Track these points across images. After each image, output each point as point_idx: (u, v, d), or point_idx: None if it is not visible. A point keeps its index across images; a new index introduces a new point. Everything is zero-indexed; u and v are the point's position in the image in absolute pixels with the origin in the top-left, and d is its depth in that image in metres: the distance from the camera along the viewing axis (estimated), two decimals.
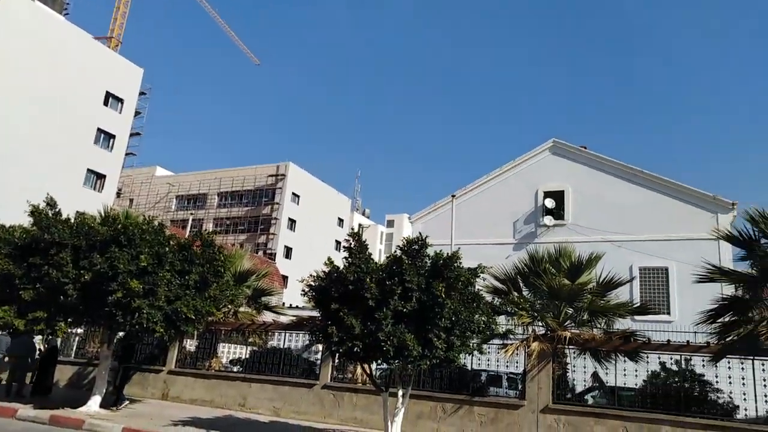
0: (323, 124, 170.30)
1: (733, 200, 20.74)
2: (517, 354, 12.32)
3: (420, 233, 10.36)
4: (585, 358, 12.34)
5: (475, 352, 10.56)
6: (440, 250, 9.74)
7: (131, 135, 41.96)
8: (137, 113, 43.17)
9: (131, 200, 62.26)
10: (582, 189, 23.28)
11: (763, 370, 10.65)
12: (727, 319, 11.18)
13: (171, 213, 61.86)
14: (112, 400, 13.29)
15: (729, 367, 10.88)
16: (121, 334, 13.36)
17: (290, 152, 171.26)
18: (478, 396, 12.50)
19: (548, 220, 23.29)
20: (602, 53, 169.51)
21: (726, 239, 12.33)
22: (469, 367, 13.17)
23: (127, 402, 13.54)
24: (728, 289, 13.66)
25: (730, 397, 11.01)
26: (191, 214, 50.58)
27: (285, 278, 50.73)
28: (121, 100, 39.16)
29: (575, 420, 11.39)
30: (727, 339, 10.94)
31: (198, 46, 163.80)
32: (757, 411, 10.56)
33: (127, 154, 42.52)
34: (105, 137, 38.00)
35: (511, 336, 12.63)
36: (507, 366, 13.67)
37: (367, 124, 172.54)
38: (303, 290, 10.42)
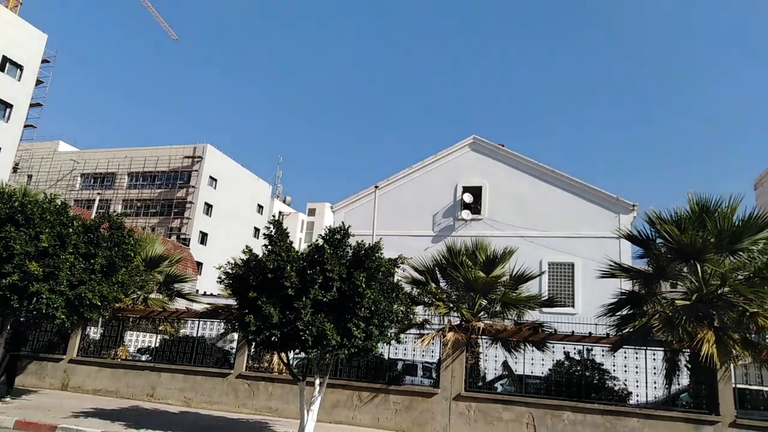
0: (246, 106, 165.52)
1: (634, 202, 22.33)
2: (432, 343, 12.63)
3: (342, 223, 10.33)
4: (496, 347, 12.87)
5: (393, 342, 10.72)
6: (362, 240, 9.76)
7: (31, 105, 38.67)
8: (39, 82, 39.84)
9: (30, 176, 57.54)
10: (499, 185, 24.18)
11: (654, 359, 11.59)
12: (624, 312, 12.06)
13: (75, 192, 57.83)
14: (4, 391, 12.28)
15: (625, 357, 11.75)
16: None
17: (209, 134, 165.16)
18: (394, 384, 12.71)
19: (466, 214, 24.02)
20: (528, 55, 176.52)
21: (626, 238, 13.25)
22: (386, 357, 13.35)
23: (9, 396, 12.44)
24: (627, 285, 14.75)
25: (625, 384, 11.90)
26: (98, 194, 47.50)
27: (199, 265, 49.01)
28: (20, 67, 35.99)
29: (485, 407, 11.88)
30: (624, 331, 11.80)
31: (114, 16, 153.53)
32: (647, 397, 11.50)
33: (26, 126, 39.15)
34: (1, 106, 34.83)
35: (428, 326, 12.95)
36: (423, 355, 14.00)
37: (291, 110, 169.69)
38: (219, 278, 10.11)
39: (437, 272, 14.02)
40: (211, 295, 24.03)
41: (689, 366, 11.43)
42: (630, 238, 12.99)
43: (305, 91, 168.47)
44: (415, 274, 13.96)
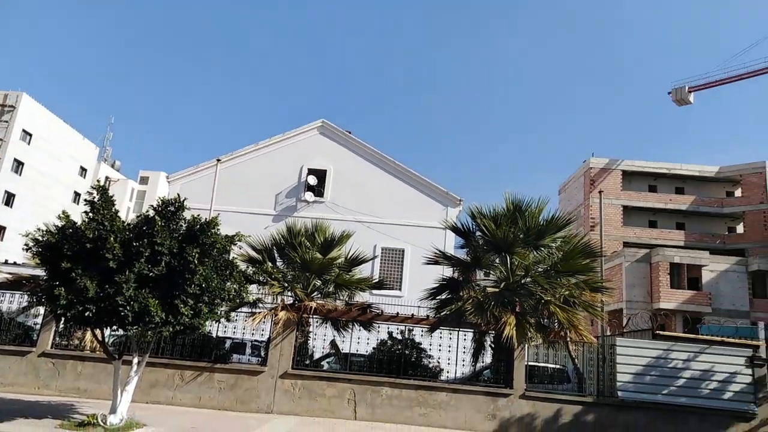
0: (75, 58, 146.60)
1: (461, 197, 24.35)
2: (264, 322, 12.66)
3: (178, 194, 9.86)
4: (326, 327, 13.31)
5: (223, 320, 10.55)
6: (198, 215, 9.44)
7: None
8: None
9: None
10: (343, 171, 24.73)
11: (465, 339, 12.90)
12: (443, 297, 13.22)
13: None
14: None
15: (440, 337, 12.91)
16: None
17: (29, 83, 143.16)
18: (220, 363, 12.51)
19: (309, 196, 24.22)
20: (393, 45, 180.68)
21: (451, 229, 14.48)
22: (215, 335, 13.07)
23: None
24: (449, 272, 16.11)
25: (438, 362, 13.08)
26: None
27: (2, 229, 42.87)
28: None
29: (310, 384, 12.25)
30: (442, 313, 12.94)
31: None
32: (456, 373, 12.77)
33: None
34: None
35: (261, 305, 12.93)
36: (253, 334, 13.94)
37: (130, 71, 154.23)
38: (26, 245, 9.07)
39: (275, 252, 14.03)
40: (15, 263, 21.28)
41: (493, 346, 12.91)
42: (454, 229, 14.21)
43: (150, 52, 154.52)
44: (253, 253, 13.81)
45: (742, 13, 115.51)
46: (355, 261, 14.04)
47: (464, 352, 12.89)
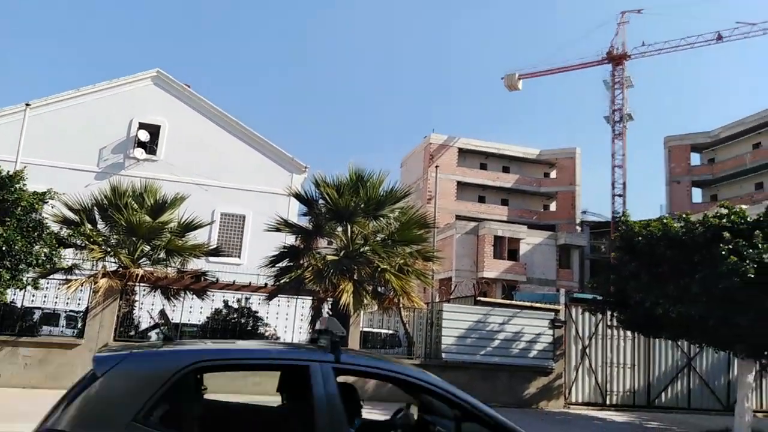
0: None
1: (306, 164, 24.12)
2: (82, 290, 11.44)
3: None
4: (155, 295, 12.43)
5: (29, 288, 9.32)
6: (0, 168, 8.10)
7: None
8: None
9: None
10: (180, 127, 22.99)
11: (303, 307, 12.94)
12: (283, 264, 13.07)
13: None
14: None
15: (278, 305, 12.78)
16: None
17: None
18: (27, 336, 11.08)
19: (139, 153, 22.16)
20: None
21: (294, 196, 14.29)
22: (20, 304, 11.53)
23: None
24: (292, 240, 15.96)
25: (275, 330, 12.98)
26: None
27: None
28: None
29: None
30: (282, 281, 12.80)
31: None
32: (292, 340, 12.78)
33: None
34: None
35: (78, 271, 11.66)
36: (68, 303, 12.55)
37: None
38: None
39: (96, 213, 12.67)
40: None
41: (330, 313, 13.12)
42: (297, 196, 14.04)
43: None
44: (69, 213, 12.33)
45: (571, 8, 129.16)
46: (190, 226, 13.23)
47: (302, 320, 12.94)
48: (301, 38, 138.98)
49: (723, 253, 10.11)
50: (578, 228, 45.30)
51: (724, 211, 11.29)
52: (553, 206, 50.18)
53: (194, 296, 12.49)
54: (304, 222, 14.41)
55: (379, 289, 13.12)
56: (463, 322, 13.37)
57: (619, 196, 46.43)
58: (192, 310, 12.34)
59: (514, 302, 14.84)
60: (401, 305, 12.95)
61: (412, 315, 13.88)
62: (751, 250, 10.00)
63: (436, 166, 34.78)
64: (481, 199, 48.75)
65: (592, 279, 15.63)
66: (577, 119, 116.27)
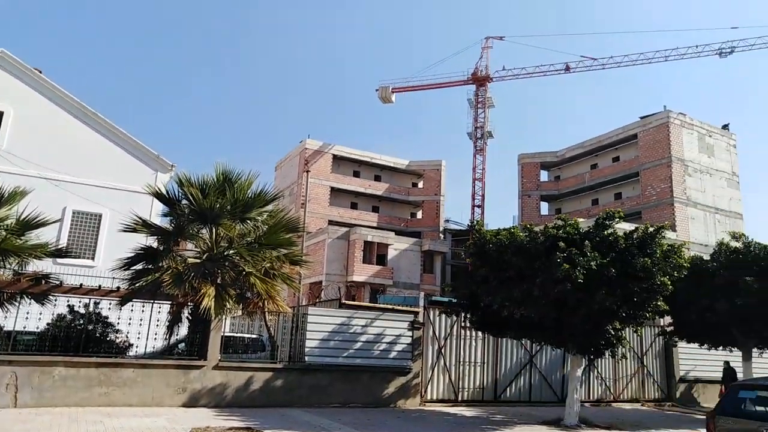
0: None
1: (174, 162, 22.93)
2: None
3: None
4: None
5: None
6: None
7: None
8: None
9: None
10: (28, 116, 20.68)
11: (159, 312, 12.30)
12: (140, 267, 12.34)
13: None
14: None
15: (131, 310, 12.02)
16: None
17: None
18: None
19: None
20: None
21: (155, 196, 13.56)
22: None
23: None
24: (153, 241, 15.08)
25: (128, 337, 12.18)
26: None
27: None
28: None
29: None
30: (137, 285, 12.06)
31: None
32: (147, 348, 12.10)
33: None
34: None
35: None
36: None
37: None
38: None
39: None
40: None
41: (190, 318, 12.63)
42: (158, 195, 13.35)
43: None
44: None
45: (444, 28, 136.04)
46: (31, 224, 11.97)
47: (158, 326, 12.29)
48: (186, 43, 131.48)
49: (558, 260, 11.36)
50: (441, 235, 47.84)
51: (561, 222, 12.69)
52: (419, 214, 52.48)
53: (32, 301, 11.33)
54: (166, 222, 13.73)
55: (243, 294, 12.88)
56: (327, 326, 13.57)
57: (479, 206, 49.79)
58: (29, 317, 11.17)
59: (377, 305, 15.35)
60: (266, 309, 12.82)
61: (278, 319, 13.81)
62: (581, 258, 11.36)
63: (307, 171, 34.79)
64: (354, 206, 49.62)
65: (449, 283, 16.66)
66: (444, 133, 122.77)
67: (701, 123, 43.48)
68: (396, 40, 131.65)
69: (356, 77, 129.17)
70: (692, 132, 42.59)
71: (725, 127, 45.34)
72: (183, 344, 12.80)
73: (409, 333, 14.49)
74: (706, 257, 16.41)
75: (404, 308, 15.14)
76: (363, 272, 37.98)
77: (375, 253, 39.10)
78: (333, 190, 47.76)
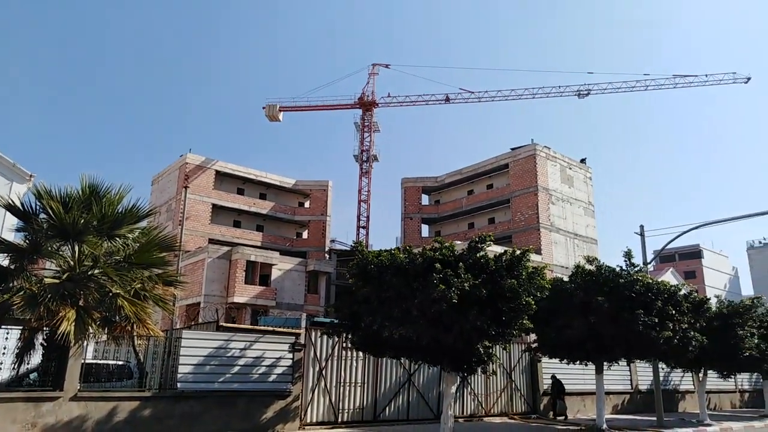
0: None
1: (32, 172, 20.83)
2: None
3: None
4: None
5: None
6: None
7: None
8: None
9: None
10: None
11: (7, 338, 11.02)
12: None
13: None
14: None
15: None
16: None
17: None
18: None
19: None
20: None
21: (7, 208, 12.21)
22: None
23: None
24: (3, 259, 13.51)
25: None
26: None
27: None
28: None
29: None
30: None
31: None
32: None
33: None
34: None
35: None
36: None
37: None
38: None
39: None
40: None
41: (45, 344, 11.44)
42: (10, 208, 12.02)
43: None
44: None
45: (332, 51, 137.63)
46: None
47: (4, 353, 11.00)
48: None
49: (435, 281, 11.87)
50: (327, 255, 47.84)
51: (438, 245, 13.29)
52: (305, 234, 52.11)
53: None
54: (20, 238, 12.40)
55: (109, 317, 11.92)
56: (203, 349, 12.96)
57: (364, 227, 50.61)
58: None
59: (257, 327, 14.94)
60: (135, 333, 11.96)
61: (148, 343, 12.94)
62: (456, 279, 11.95)
63: (185, 187, 33.27)
64: (237, 224, 48.10)
65: (331, 304, 16.69)
66: (331, 155, 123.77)
67: (563, 156, 47.89)
68: (284, 60, 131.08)
69: (243, 94, 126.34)
70: (555, 164, 46.76)
71: (583, 161, 50.33)
72: (35, 374, 11.54)
73: (290, 355, 14.26)
74: (566, 279, 17.98)
75: (285, 330, 14.90)
76: (245, 293, 36.80)
77: (258, 273, 38.11)
78: (215, 207, 45.99)
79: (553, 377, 19.60)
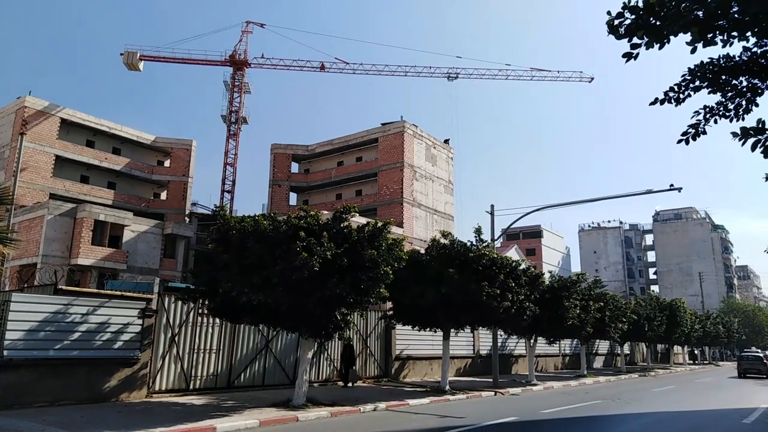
0: None
1: None
2: None
3: None
4: None
5: None
6: None
7: None
8: None
9: None
10: None
11: None
12: None
13: None
14: None
15: None
16: None
17: None
18: None
19: None
20: None
21: None
22: None
23: None
24: None
25: None
26: None
27: None
28: None
29: None
30: None
31: None
32: None
33: None
34: None
35: None
36: None
37: None
38: None
39: None
40: None
41: None
42: None
43: None
44: None
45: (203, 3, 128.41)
46: None
47: None
48: None
49: (298, 249, 11.95)
50: (187, 219, 45.55)
51: (303, 213, 13.34)
52: (164, 195, 49.01)
53: None
54: None
55: None
56: (37, 314, 11.82)
57: (228, 192, 48.90)
58: None
59: (102, 291, 13.90)
60: None
61: None
62: (319, 248, 12.13)
63: (22, 134, 29.58)
64: (84, 179, 43.80)
65: (189, 269, 16.04)
66: (197, 113, 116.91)
67: (429, 135, 49.98)
68: (151, 6, 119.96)
69: (97, 37, 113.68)
70: (422, 142, 48.68)
71: (446, 141, 52.94)
72: None
73: (139, 321, 13.52)
74: (423, 251, 19.03)
75: (135, 295, 14.06)
76: (91, 255, 33.85)
77: (108, 234, 35.19)
78: (59, 159, 41.34)
79: (347, 341, 18.46)
